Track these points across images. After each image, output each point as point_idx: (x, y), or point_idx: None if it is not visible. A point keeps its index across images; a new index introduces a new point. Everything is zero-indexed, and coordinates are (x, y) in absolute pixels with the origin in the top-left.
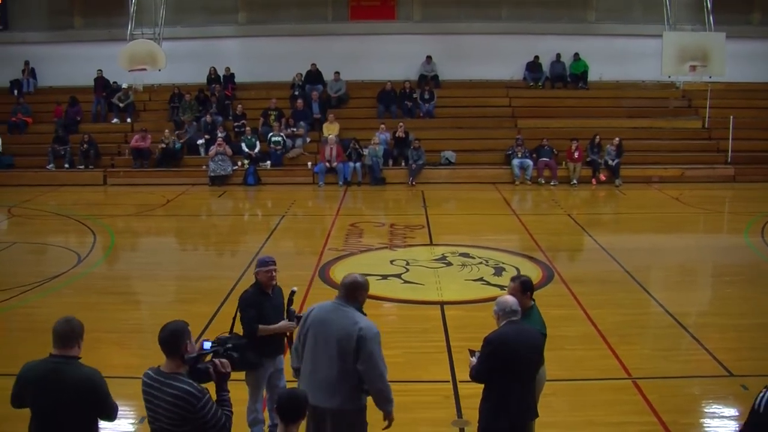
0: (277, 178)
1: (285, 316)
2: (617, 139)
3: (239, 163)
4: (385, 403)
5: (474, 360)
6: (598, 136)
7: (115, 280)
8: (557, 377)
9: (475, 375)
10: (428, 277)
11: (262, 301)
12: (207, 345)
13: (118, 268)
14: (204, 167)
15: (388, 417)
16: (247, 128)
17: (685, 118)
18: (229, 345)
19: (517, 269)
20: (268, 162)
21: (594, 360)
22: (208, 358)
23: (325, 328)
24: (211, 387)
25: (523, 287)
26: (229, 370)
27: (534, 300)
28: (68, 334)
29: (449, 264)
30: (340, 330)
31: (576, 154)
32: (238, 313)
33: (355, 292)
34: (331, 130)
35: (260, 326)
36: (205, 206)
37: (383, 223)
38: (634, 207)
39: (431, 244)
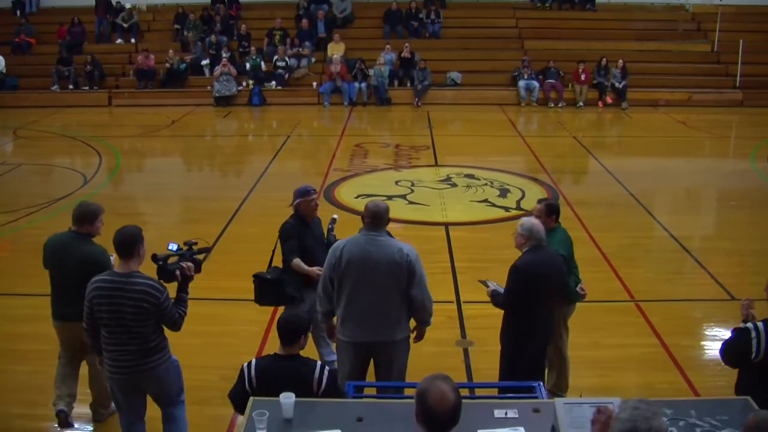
0: (282, 99)
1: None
2: (621, 61)
3: (244, 84)
4: (428, 318)
5: (490, 288)
6: (605, 59)
7: (121, 201)
8: None
9: (502, 303)
10: (433, 198)
11: (302, 231)
12: (173, 247)
13: (124, 189)
14: (209, 88)
15: (424, 331)
16: (252, 48)
17: (693, 42)
18: (195, 250)
19: (522, 191)
20: (273, 82)
21: (598, 282)
22: (174, 260)
23: (368, 263)
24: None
25: (548, 209)
26: (193, 273)
27: (560, 223)
28: (80, 215)
29: (454, 185)
30: (388, 260)
31: (582, 77)
32: (278, 245)
33: (383, 218)
34: (336, 50)
35: (295, 262)
36: (210, 127)
37: (388, 144)
38: (640, 130)
39: (436, 165)
